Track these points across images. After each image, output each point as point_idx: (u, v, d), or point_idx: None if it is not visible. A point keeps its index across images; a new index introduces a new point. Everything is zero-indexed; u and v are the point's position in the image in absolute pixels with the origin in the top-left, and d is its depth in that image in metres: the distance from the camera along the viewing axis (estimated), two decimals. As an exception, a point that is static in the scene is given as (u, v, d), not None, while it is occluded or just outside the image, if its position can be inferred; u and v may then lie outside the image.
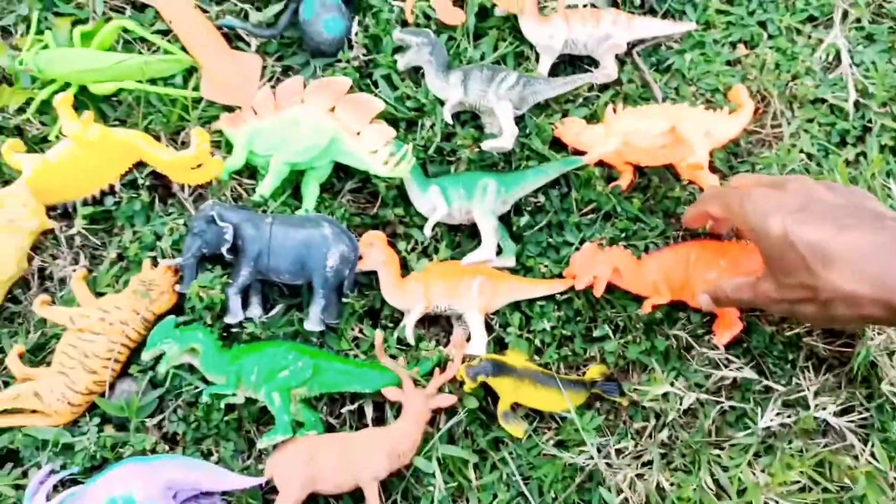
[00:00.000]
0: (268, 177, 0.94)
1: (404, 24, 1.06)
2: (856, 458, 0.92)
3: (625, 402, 0.94)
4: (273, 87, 1.00)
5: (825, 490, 0.91)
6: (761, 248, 0.75)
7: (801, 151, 1.05)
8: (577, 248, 0.98)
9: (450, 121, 0.98)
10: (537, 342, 0.95)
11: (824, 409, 0.93)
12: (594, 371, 0.95)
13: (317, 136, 0.93)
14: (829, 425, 0.94)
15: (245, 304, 0.91)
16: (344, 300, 0.93)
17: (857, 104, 1.08)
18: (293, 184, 0.99)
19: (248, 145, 0.95)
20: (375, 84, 1.03)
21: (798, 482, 0.91)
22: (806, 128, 1.07)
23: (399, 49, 1.03)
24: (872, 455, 0.92)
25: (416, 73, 1.04)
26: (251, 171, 1.00)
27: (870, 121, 1.07)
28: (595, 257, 0.92)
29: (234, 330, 0.91)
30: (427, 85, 1.01)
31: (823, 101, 1.08)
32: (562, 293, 0.96)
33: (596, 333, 0.96)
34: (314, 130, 0.93)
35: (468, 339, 0.92)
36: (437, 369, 0.90)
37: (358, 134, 0.95)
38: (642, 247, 0.99)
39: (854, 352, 0.94)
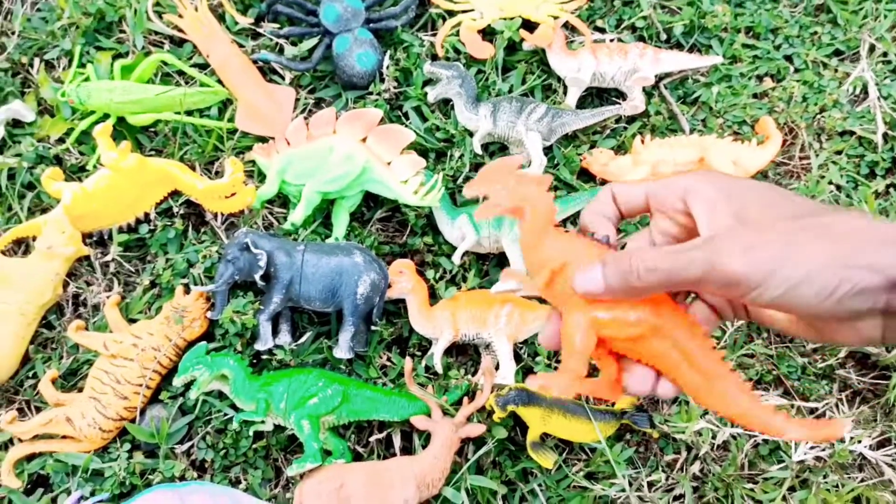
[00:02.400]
0: (300, 205, 0.95)
1: (434, 57, 1.08)
2: (894, 493, 0.90)
3: (655, 434, 0.93)
4: (306, 118, 1.02)
5: (863, 527, 0.89)
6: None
7: (830, 183, 1.05)
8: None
9: (479, 151, 1.00)
10: (566, 372, 0.95)
11: (859, 441, 0.91)
12: (624, 401, 0.94)
13: (349, 165, 0.95)
14: (865, 459, 0.93)
15: (275, 332, 0.92)
16: (372, 328, 0.93)
17: (885, 136, 1.08)
18: (324, 212, 1.00)
19: (281, 174, 0.97)
20: (406, 115, 1.05)
21: (836, 519, 0.89)
22: (834, 159, 1.07)
23: (429, 82, 1.05)
24: (911, 491, 0.90)
25: (445, 105, 1.06)
26: (282, 200, 1.02)
27: (899, 155, 1.07)
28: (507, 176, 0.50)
29: (263, 357, 0.92)
30: (456, 116, 1.03)
31: (852, 133, 1.08)
32: (590, 323, 0.96)
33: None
34: (346, 160, 0.95)
35: (497, 368, 0.92)
36: (465, 398, 0.90)
37: (389, 164, 0.96)
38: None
39: (890, 384, 0.93)
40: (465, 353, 0.99)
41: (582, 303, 0.45)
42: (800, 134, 1.08)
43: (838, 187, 1.05)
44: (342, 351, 0.90)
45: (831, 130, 1.08)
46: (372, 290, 0.90)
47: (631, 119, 1.07)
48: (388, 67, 1.06)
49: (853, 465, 0.93)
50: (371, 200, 1.02)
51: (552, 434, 0.90)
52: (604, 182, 1.01)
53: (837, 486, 0.91)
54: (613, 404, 0.95)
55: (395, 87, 1.05)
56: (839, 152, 1.08)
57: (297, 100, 1.06)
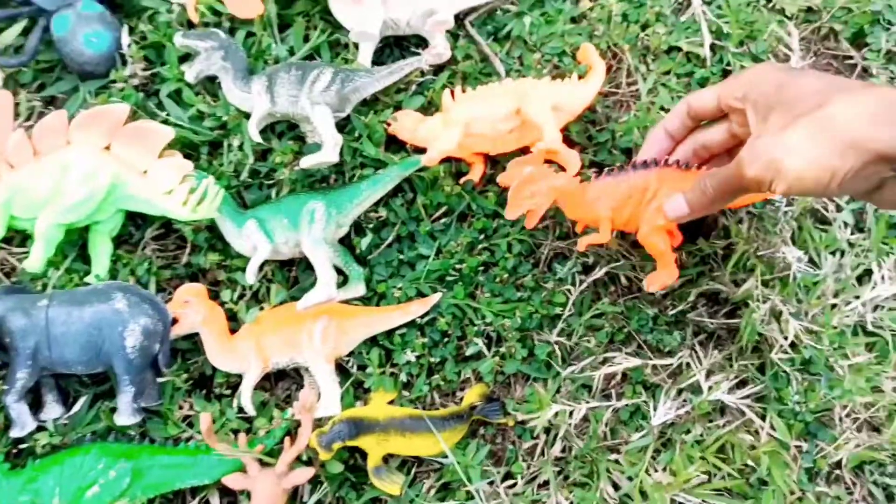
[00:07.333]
0: (35, 246, 0.76)
1: (189, 25, 0.88)
2: (756, 433, 0.87)
3: (511, 423, 0.84)
4: (30, 127, 0.80)
5: (730, 476, 0.85)
6: (751, 100, 0.64)
7: (662, 109, 0.96)
8: (434, 259, 0.87)
9: (258, 138, 0.82)
10: (403, 377, 0.84)
11: (718, 386, 0.86)
12: (473, 393, 0.84)
13: (91, 186, 0.76)
14: (725, 405, 0.88)
15: (40, 406, 0.74)
16: (163, 378, 0.77)
17: (713, 48, 0.99)
18: (78, 243, 0.81)
19: (7, 208, 0.77)
20: (162, 105, 0.85)
21: (704, 472, 0.85)
22: (663, 81, 0.97)
23: (188, 56, 0.86)
24: (772, 427, 0.87)
25: (212, 84, 0.87)
26: (24, 237, 0.81)
27: (728, 64, 0.98)
28: (533, 183, 0.77)
29: (26, 444, 0.74)
30: (226, 97, 0.84)
31: (678, 49, 0.99)
32: (423, 315, 0.85)
33: (468, 352, 0.86)
34: (87, 178, 0.76)
35: (320, 397, 0.79)
36: (288, 438, 0.77)
37: (145, 173, 0.78)
38: (504, 245, 0.88)
39: (742, 322, 0.88)
40: (287, 377, 0.85)
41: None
42: (624, 57, 0.97)
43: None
44: (125, 416, 0.74)
45: (657, 49, 0.98)
46: (146, 337, 0.74)
47: (438, 69, 0.92)
48: (129, 46, 0.85)
49: (715, 411, 0.88)
50: (138, 216, 0.83)
51: (396, 454, 0.80)
52: (418, 150, 0.87)
53: (701, 438, 0.86)
54: (462, 399, 0.85)
55: (143, 70, 0.85)
56: (667, 72, 0.98)
57: (17, 104, 0.83)
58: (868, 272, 0.91)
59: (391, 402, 0.82)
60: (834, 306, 0.89)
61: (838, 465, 0.86)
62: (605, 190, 0.78)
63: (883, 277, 0.91)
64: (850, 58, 1.02)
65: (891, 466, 0.87)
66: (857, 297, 0.89)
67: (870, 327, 0.89)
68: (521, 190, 0.77)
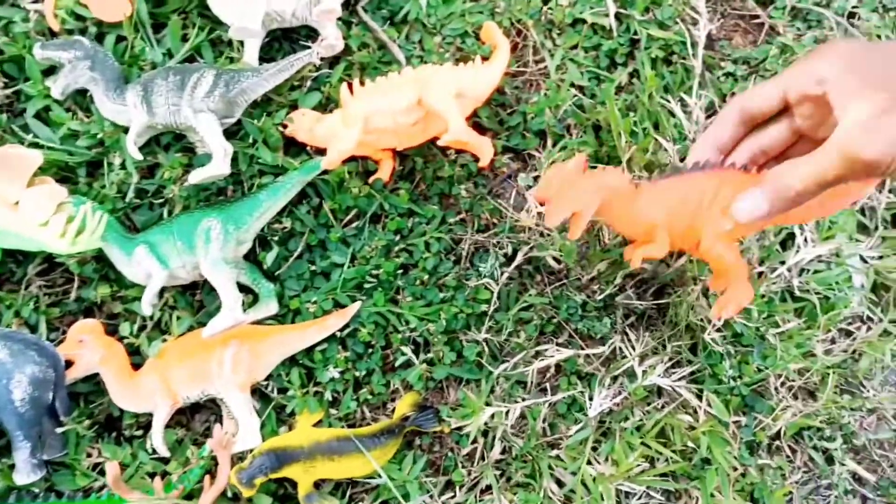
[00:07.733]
0: None
1: (51, 34, 0.80)
2: (694, 412, 0.85)
3: (447, 429, 0.81)
4: None
5: (672, 460, 0.83)
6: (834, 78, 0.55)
7: (572, 86, 0.92)
8: (349, 267, 0.82)
9: (137, 155, 0.75)
10: (328, 395, 0.79)
11: (653, 370, 0.85)
12: (404, 403, 0.80)
13: (-49, 226, 0.68)
14: (662, 387, 0.87)
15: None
16: (62, 429, 0.71)
17: (618, 17, 0.95)
18: (-52, 290, 0.73)
19: None
20: (28, 127, 0.77)
21: (645, 458, 0.83)
22: (571, 56, 0.94)
23: (53, 70, 0.78)
24: (709, 405, 0.86)
25: (84, 98, 0.79)
26: None
27: (635, 33, 0.95)
28: (579, 182, 0.64)
29: None
30: (100, 111, 0.77)
31: (583, 21, 0.95)
32: (343, 328, 0.80)
33: (395, 361, 0.81)
34: (-55, 218, 0.68)
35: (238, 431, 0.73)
36: (207, 477, 0.71)
37: (16, 205, 0.70)
38: (422, 245, 0.83)
39: (675, 305, 0.86)
40: (205, 408, 0.79)
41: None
42: (529, 34, 0.93)
43: (581, 88, 0.93)
44: (24, 474, 0.68)
45: (561, 23, 0.94)
46: (36, 387, 0.67)
47: (333, 61, 0.86)
48: (-17, 63, 0.76)
49: (652, 394, 0.87)
50: (17, 252, 0.76)
51: (327, 478, 0.75)
52: (318, 151, 0.82)
53: (641, 424, 0.84)
54: (394, 410, 0.81)
55: (3, 88, 0.77)
56: (574, 46, 0.94)
57: None
58: (791, 236, 0.90)
59: (318, 423, 0.78)
60: (760, 274, 0.88)
61: (777, 435, 0.86)
62: (657, 194, 0.65)
63: (806, 240, 0.90)
64: (757, 17, 1.01)
65: (828, 430, 0.87)
66: (783, 263, 0.89)
67: (797, 292, 0.88)
68: (565, 190, 0.64)
